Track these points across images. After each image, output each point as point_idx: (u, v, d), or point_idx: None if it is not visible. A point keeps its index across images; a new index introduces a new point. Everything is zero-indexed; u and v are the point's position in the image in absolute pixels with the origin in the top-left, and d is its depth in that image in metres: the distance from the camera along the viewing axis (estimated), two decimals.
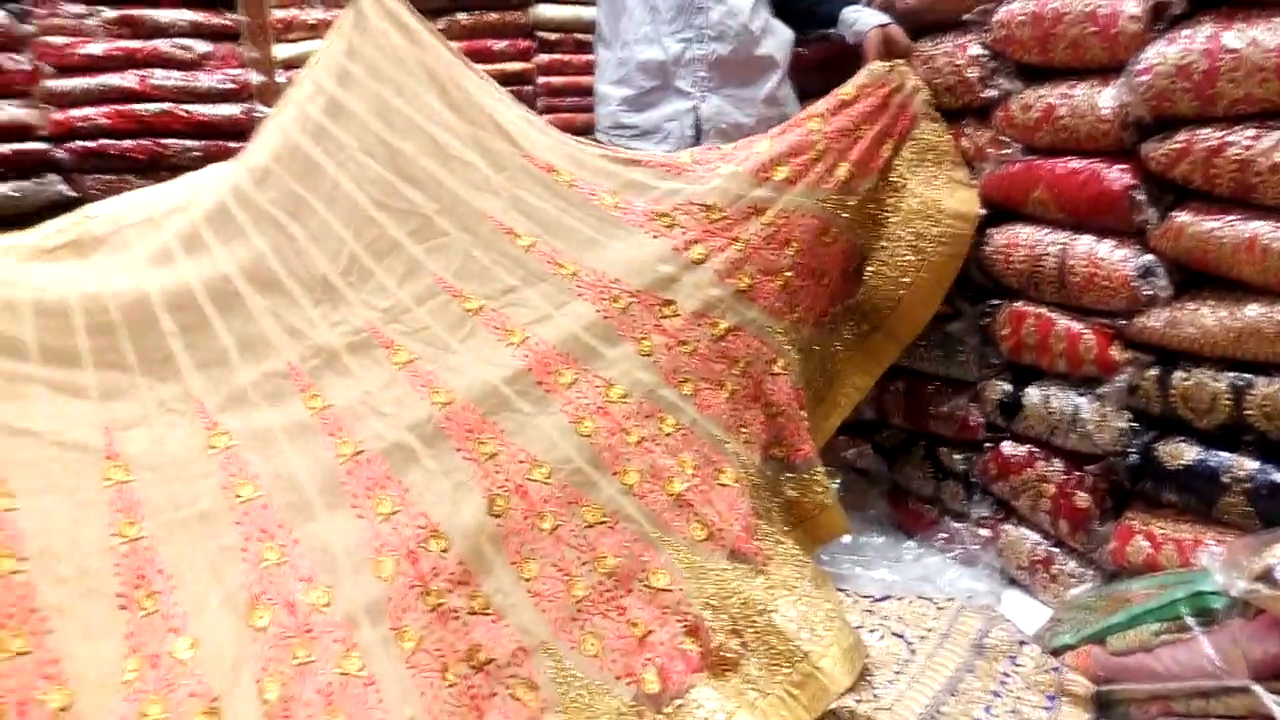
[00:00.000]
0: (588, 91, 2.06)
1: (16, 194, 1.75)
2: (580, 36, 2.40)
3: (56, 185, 1.76)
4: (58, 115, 1.86)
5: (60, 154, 1.85)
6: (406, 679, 1.04)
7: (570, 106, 2.41)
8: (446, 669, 1.07)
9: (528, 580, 1.15)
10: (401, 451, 1.19)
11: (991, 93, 1.52)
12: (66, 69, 1.88)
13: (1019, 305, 1.52)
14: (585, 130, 1.85)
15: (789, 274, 1.41)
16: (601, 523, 1.20)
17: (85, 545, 1.08)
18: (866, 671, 1.23)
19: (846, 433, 1.80)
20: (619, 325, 1.30)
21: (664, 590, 1.18)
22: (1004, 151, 1.51)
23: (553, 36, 2.42)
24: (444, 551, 1.14)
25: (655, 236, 1.36)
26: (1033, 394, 1.50)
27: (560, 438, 1.23)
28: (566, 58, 2.43)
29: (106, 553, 1.08)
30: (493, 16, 2.34)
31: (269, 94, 2.04)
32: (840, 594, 1.39)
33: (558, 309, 1.29)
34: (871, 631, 1.35)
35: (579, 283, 1.31)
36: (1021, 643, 1.31)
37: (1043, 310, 1.47)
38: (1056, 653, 1.26)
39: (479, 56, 2.16)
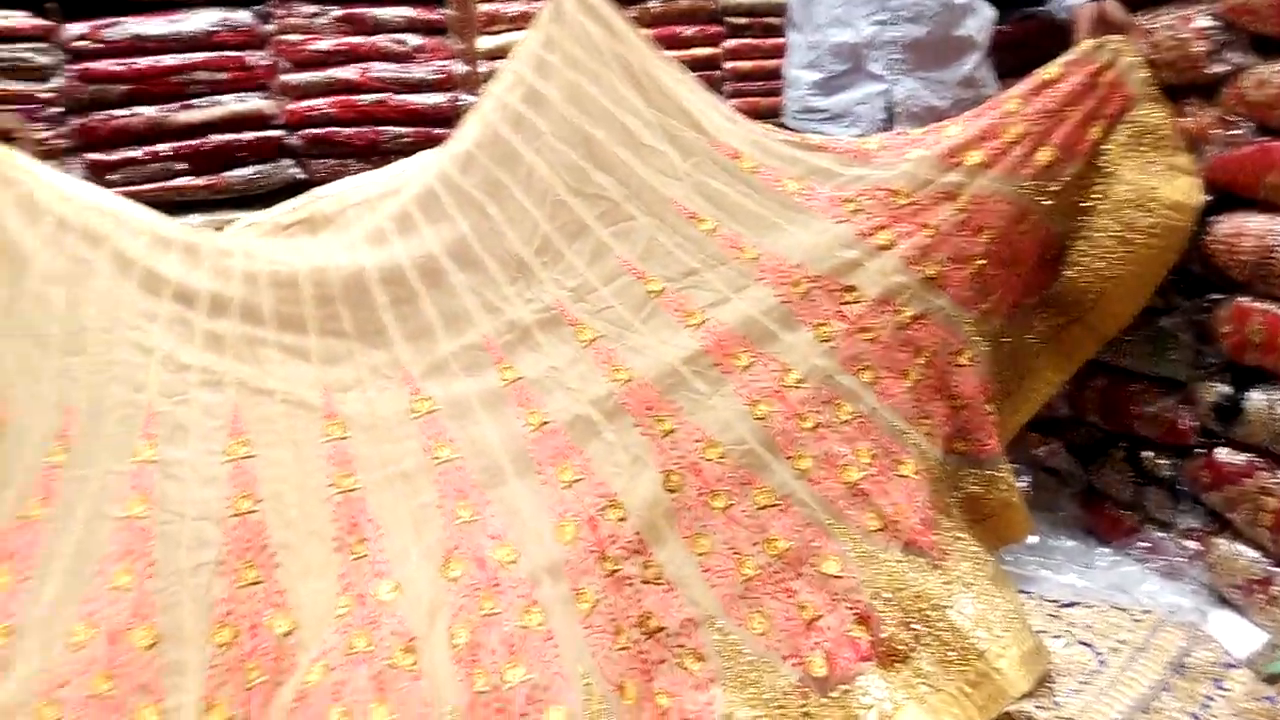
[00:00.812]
0: (775, 76, 2.05)
1: (257, 176, 1.95)
2: (769, 21, 2.39)
3: (290, 169, 1.95)
4: (292, 106, 2.05)
5: (294, 141, 2.05)
6: (581, 637, 1.10)
7: (757, 91, 2.40)
8: (619, 632, 1.12)
9: (699, 555, 1.18)
10: (584, 424, 1.26)
11: (1220, 68, 1.39)
12: (300, 64, 2.07)
13: (1244, 300, 1.39)
14: (772, 115, 1.85)
15: (981, 262, 1.35)
16: (774, 505, 1.22)
17: (308, 492, 1.21)
18: (1048, 678, 1.19)
19: (1037, 429, 1.72)
20: (798, 310, 1.30)
21: (834, 577, 1.18)
22: (1233, 132, 1.38)
23: (741, 21, 2.42)
24: (621, 521, 1.19)
25: (839, 222, 1.34)
26: (1257, 399, 1.37)
27: (735, 419, 1.25)
28: (755, 42, 2.43)
29: (325, 501, 1.20)
30: (683, 3, 2.37)
31: (472, 83, 2.16)
32: (1023, 596, 1.34)
33: (737, 292, 1.31)
34: (1056, 638, 1.29)
35: (759, 267, 1.32)
36: (1230, 666, 1.21)
37: (1271, 307, 1.34)
38: (1272, 680, 1.16)
39: (669, 42, 2.20)
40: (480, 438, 1.25)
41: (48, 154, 1.60)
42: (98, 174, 1.74)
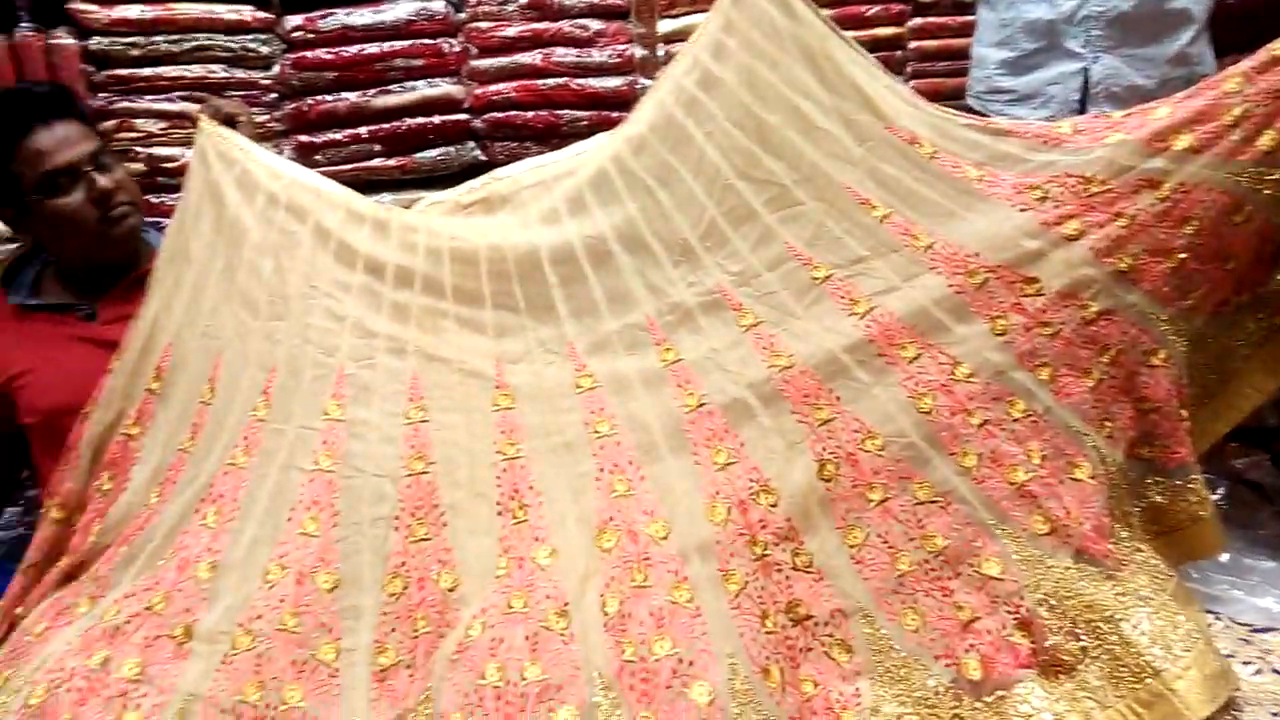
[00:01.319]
0: (962, 55, 1.96)
1: (442, 158, 2.07)
2: None
3: (473, 151, 2.05)
4: (478, 90, 2.15)
5: (478, 124, 2.15)
6: (728, 618, 1.11)
7: (942, 71, 2.31)
8: (766, 616, 1.12)
9: (852, 547, 1.17)
10: (740, 407, 1.26)
11: None
12: (488, 50, 2.17)
13: None
14: (955, 97, 1.78)
15: (1183, 256, 1.25)
16: (933, 502, 1.18)
17: (476, 457, 1.27)
18: (1233, 705, 1.09)
19: (1238, 439, 1.57)
20: (972, 301, 1.25)
21: (995, 579, 1.13)
22: None
23: None
24: (773, 506, 1.19)
25: (1022, 210, 1.27)
26: None
27: (897, 411, 1.21)
28: (942, 20, 2.33)
29: (491, 466, 1.27)
30: None
31: (650, 67, 2.19)
32: (1210, 617, 1.24)
33: (906, 281, 1.27)
34: (1246, 664, 1.18)
35: (933, 255, 1.27)
36: None
37: None
38: None
39: (850, 22, 2.14)
40: (638, 414, 1.28)
41: (263, 136, 1.75)
42: (304, 155, 1.90)
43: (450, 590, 1.18)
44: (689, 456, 1.24)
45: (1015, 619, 1.12)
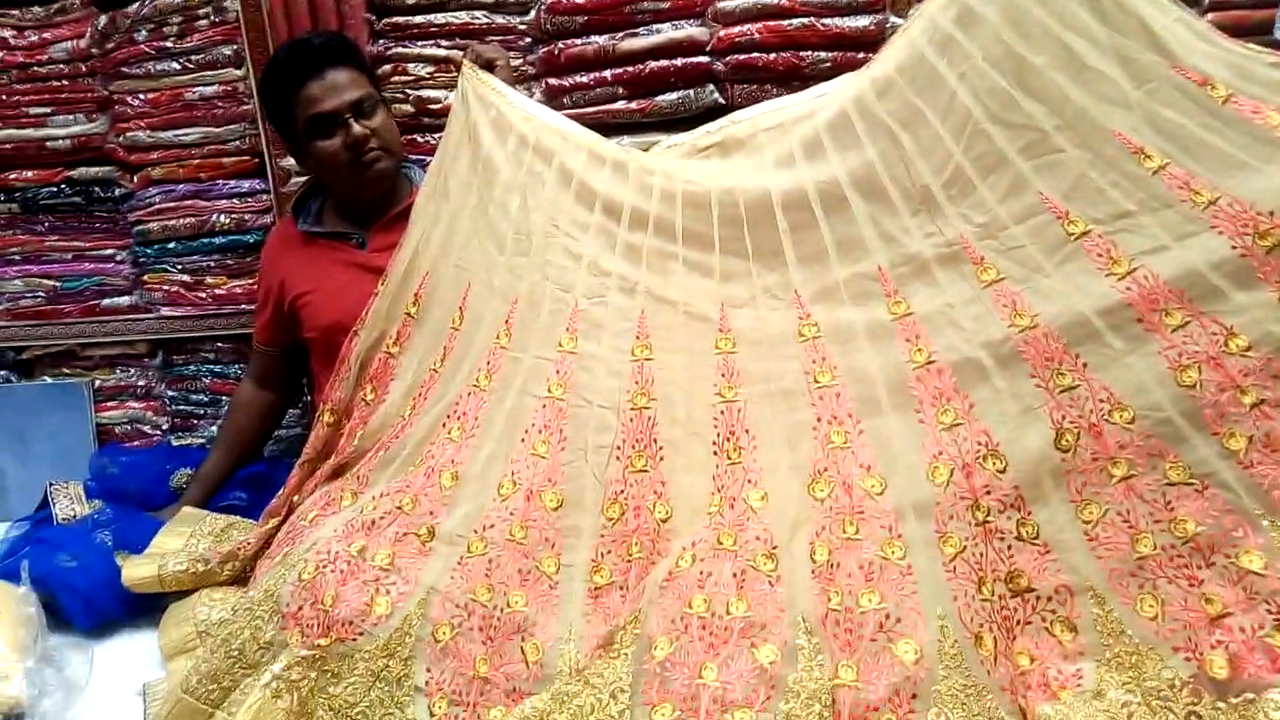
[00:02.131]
0: None
1: (681, 101, 2.07)
2: None
3: (712, 94, 2.04)
4: (722, 32, 2.13)
5: (719, 67, 2.14)
6: (942, 580, 1.08)
7: (1246, 2, 2.02)
8: (983, 583, 1.08)
9: (1086, 523, 1.09)
10: (972, 367, 1.20)
11: None
12: None
13: None
14: (1262, 31, 1.55)
15: None
16: (1187, 484, 1.07)
17: (695, 397, 1.30)
18: None
19: None
20: (1260, 266, 1.10)
21: (1256, 574, 1.01)
22: None
23: None
24: (1000, 472, 1.13)
25: None
26: None
27: (1154, 383, 1.11)
28: None
29: (709, 407, 1.29)
30: None
31: (903, 5, 2.08)
32: None
33: (1179, 241, 1.14)
34: None
35: (1215, 213, 1.13)
36: None
37: None
38: None
39: None
40: (861, 367, 1.26)
41: (518, 80, 1.84)
42: (553, 97, 1.97)
43: (664, 521, 1.22)
44: (913, 414, 1.20)
45: (1276, 619, 1.00)
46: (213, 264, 2.03)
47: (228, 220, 1.99)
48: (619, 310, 1.38)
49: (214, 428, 2.08)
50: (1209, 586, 1.03)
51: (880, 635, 1.04)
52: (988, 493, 1.12)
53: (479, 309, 1.44)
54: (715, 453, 1.26)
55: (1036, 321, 1.18)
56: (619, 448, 1.28)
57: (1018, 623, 1.06)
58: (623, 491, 1.25)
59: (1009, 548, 1.09)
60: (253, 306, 1.94)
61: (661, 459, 1.26)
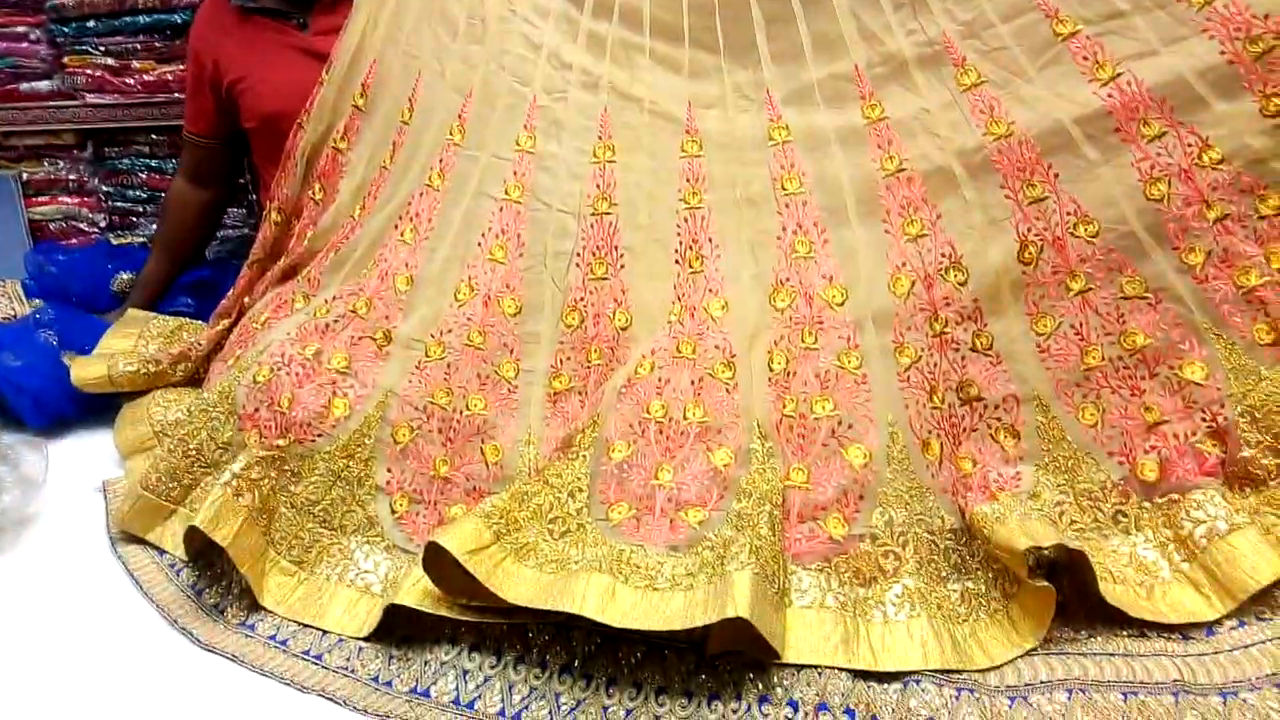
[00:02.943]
0: None
1: None
2: None
3: None
4: None
5: None
6: (895, 389, 1.10)
7: None
8: (935, 392, 1.10)
9: (1040, 335, 1.10)
10: (943, 176, 1.17)
11: None
12: None
13: None
14: None
15: None
16: (1142, 297, 1.08)
17: (658, 202, 1.26)
18: None
19: None
20: (1246, 74, 1.06)
21: (1196, 384, 1.04)
22: None
23: None
24: (961, 284, 1.12)
25: None
26: None
27: (1121, 196, 1.09)
28: None
29: (672, 213, 1.26)
30: None
31: None
32: None
33: (1169, 45, 1.09)
34: None
35: (1210, 14, 1.07)
36: None
37: None
38: None
39: None
40: (830, 174, 1.22)
41: None
42: None
43: (623, 329, 1.21)
44: (879, 224, 1.18)
45: (1209, 427, 1.04)
46: (139, 46, 1.87)
47: None
48: (580, 107, 1.31)
49: (155, 226, 1.99)
50: (1150, 396, 1.06)
51: (832, 440, 1.06)
52: (947, 304, 1.12)
53: (430, 101, 1.36)
54: (677, 261, 1.23)
55: (1012, 129, 1.14)
56: (579, 254, 1.25)
57: (964, 430, 1.09)
58: (582, 299, 1.23)
59: (962, 358, 1.11)
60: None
61: (622, 266, 1.24)
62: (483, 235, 1.28)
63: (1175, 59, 1.09)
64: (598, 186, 1.27)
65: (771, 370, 1.13)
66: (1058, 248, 1.10)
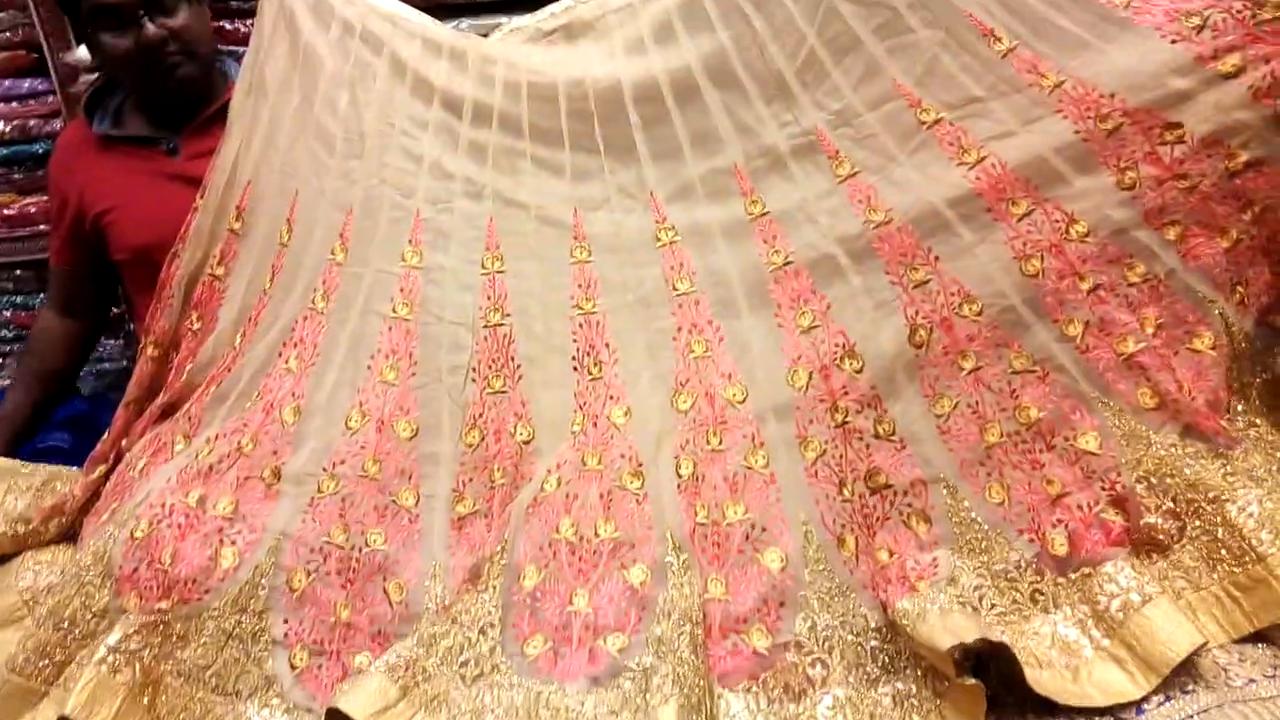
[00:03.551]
0: None
1: None
2: None
3: None
4: None
5: None
6: (804, 485, 1.09)
7: None
8: (844, 484, 1.09)
9: (938, 416, 1.11)
10: (828, 264, 1.18)
11: None
12: None
13: None
14: None
15: None
16: (1030, 371, 1.10)
17: (552, 309, 1.24)
18: None
19: None
20: (1100, 150, 1.11)
21: (1092, 454, 1.06)
22: None
23: None
24: (857, 372, 1.13)
25: (1173, 41, 1.10)
26: None
27: (999, 272, 1.12)
28: None
29: (567, 319, 1.24)
30: None
31: None
32: None
33: (1026, 125, 1.14)
34: None
35: (1061, 96, 1.12)
36: None
37: None
38: None
39: None
40: (719, 269, 1.22)
41: None
42: None
43: (526, 443, 1.18)
44: (772, 317, 1.18)
45: (1110, 495, 1.06)
46: None
47: (8, 127, 1.75)
48: (466, 217, 1.29)
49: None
50: (1050, 469, 1.07)
51: (747, 546, 1.04)
52: (845, 393, 1.12)
53: (309, 220, 1.32)
54: (575, 368, 1.21)
55: (891, 216, 1.16)
56: (474, 369, 1.22)
57: (877, 519, 1.08)
58: (481, 415, 1.20)
59: (867, 446, 1.11)
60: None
61: (520, 378, 1.21)
62: (372, 357, 1.24)
63: (1034, 138, 1.13)
64: (489, 298, 1.25)
65: (680, 476, 1.11)
66: (945, 328, 1.12)
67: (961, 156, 1.15)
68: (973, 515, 1.07)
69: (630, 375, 1.19)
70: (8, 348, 1.92)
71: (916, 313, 1.13)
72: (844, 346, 1.14)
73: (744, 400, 1.15)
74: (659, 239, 1.25)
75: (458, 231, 1.28)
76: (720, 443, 1.12)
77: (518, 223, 1.28)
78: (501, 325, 1.23)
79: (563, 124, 1.29)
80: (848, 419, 1.11)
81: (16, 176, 1.79)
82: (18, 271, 1.88)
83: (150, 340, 1.40)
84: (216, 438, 1.23)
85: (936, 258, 1.14)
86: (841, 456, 1.10)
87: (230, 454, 1.20)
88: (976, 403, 1.10)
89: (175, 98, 1.50)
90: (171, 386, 1.36)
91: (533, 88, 1.30)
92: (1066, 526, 1.05)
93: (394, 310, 1.25)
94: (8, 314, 1.90)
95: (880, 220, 1.16)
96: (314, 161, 1.33)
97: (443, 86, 1.30)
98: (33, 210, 1.80)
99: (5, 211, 1.80)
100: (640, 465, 1.11)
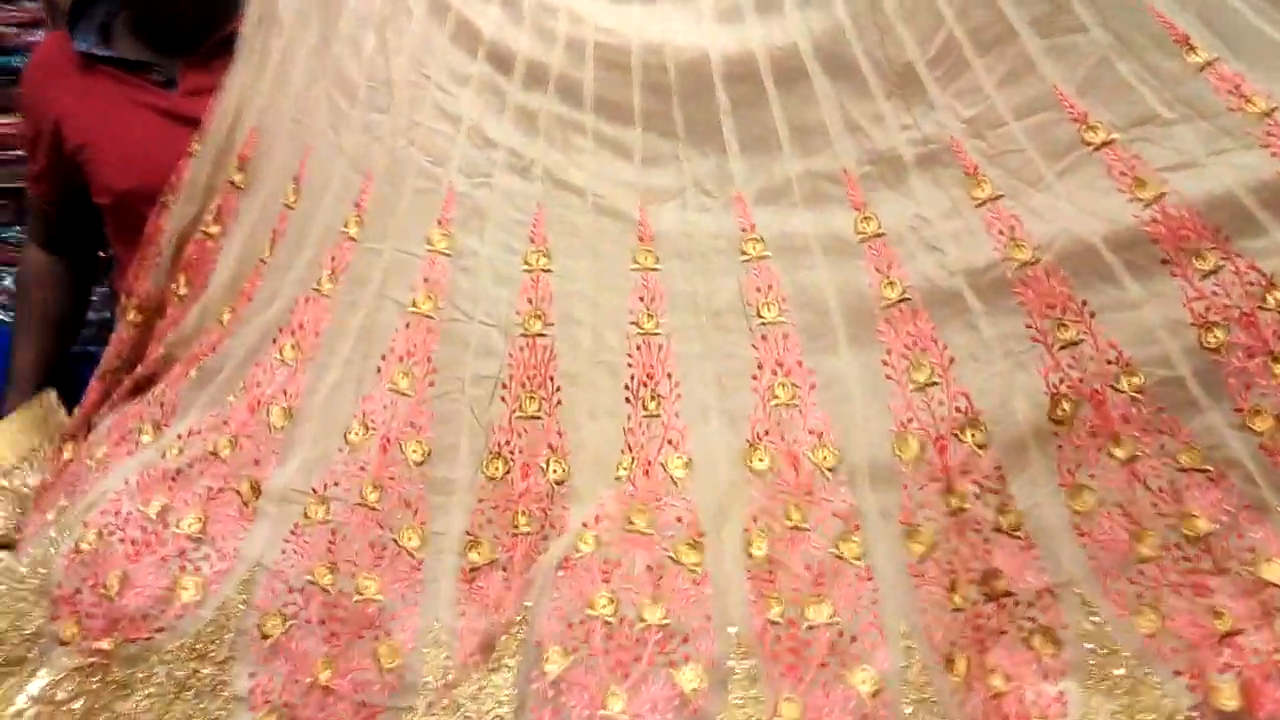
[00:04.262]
0: None
1: None
2: None
3: None
4: None
5: None
6: (909, 587, 0.88)
7: None
8: (955, 588, 0.88)
9: (1078, 513, 0.89)
10: (953, 306, 0.95)
11: None
12: None
13: None
14: None
15: None
16: (1200, 470, 0.88)
17: (605, 321, 1.03)
18: None
19: None
20: None
21: (1274, 585, 0.85)
22: None
23: None
24: (980, 448, 0.91)
25: None
26: None
27: (1168, 336, 0.90)
28: None
29: (623, 338, 1.02)
30: None
31: None
32: None
33: (1217, 156, 0.91)
34: None
35: (1269, 126, 0.90)
36: None
37: None
38: None
39: None
40: (815, 294, 1.00)
41: None
42: None
43: (559, 483, 0.97)
44: (877, 365, 0.96)
45: None
46: None
47: None
48: (508, 196, 1.07)
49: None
50: (1219, 597, 0.85)
51: (832, 659, 0.83)
52: (964, 473, 0.91)
53: (321, 180, 1.10)
54: (628, 399, 1.00)
55: (1037, 256, 0.94)
56: (505, 384, 1.01)
57: (992, 632, 0.87)
58: (509, 442, 0.99)
59: (986, 541, 0.89)
60: None
61: (559, 402, 1.00)
62: (383, 357, 1.03)
63: (1228, 174, 0.90)
64: (529, 300, 1.03)
65: (750, 556, 0.89)
66: (1096, 403, 0.90)
67: (1136, 191, 0.93)
68: (1115, 644, 0.86)
69: (694, 416, 0.98)
70: None
71: (1061, 380, 0.91)
72: (966, 413, 0.92)
73: (835, 468, 0.93)
74: (744, 251, 1.03)
75: (496, 212, 1.07)
76: (804, 519, 0.91)
77: (571, 211, 1.07)
78: (543, 336, 1.02)
79: (635, 97, 1.07)
80: (965, 506, 0.90)
81: None
82: None
83: (132, 303, 1.20)
84: (190, 434, 1.02)
85: (1092, 314, 0.92)
86: (954, 552, 0.89)
87: (203, 457, 0.99)
88: (1129, 501, 0.88)
89: (177, 18, 1.27)
90: (149, 357, 1.16)
91: (601, 50, 1.07)
92: (1239, 674, 0.83)
93: (414, 303, 1.04)
94: None
95: (1025, 260, 0.94)
96: (332, 111, 1.11)
97: (492, 37, 1.08)
98: (11, 133, 1.58)
99: None
100: (700, 535, 0.90)
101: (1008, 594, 0.87)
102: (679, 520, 0.91)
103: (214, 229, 1.16)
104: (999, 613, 0.88)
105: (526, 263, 1.04)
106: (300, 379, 1.03)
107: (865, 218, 1.00)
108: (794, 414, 0.96)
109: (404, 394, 1.01)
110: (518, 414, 0.99)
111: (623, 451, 0.97)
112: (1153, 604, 0.86)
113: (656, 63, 1.06)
